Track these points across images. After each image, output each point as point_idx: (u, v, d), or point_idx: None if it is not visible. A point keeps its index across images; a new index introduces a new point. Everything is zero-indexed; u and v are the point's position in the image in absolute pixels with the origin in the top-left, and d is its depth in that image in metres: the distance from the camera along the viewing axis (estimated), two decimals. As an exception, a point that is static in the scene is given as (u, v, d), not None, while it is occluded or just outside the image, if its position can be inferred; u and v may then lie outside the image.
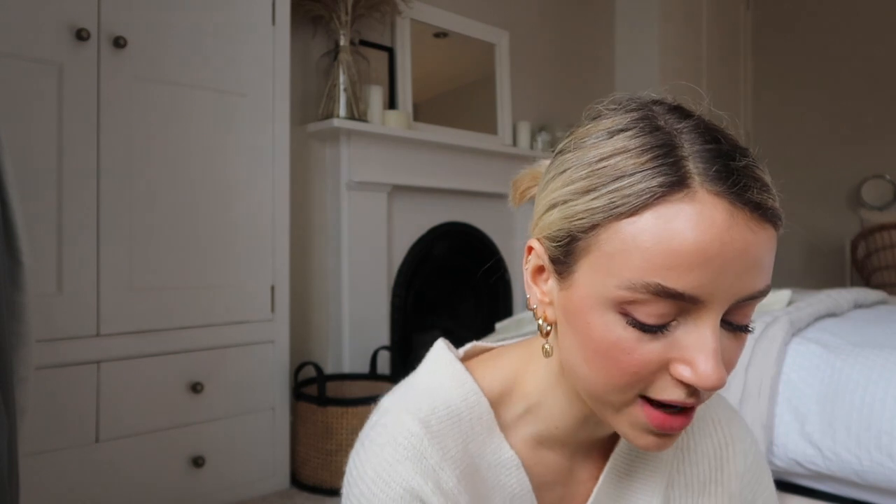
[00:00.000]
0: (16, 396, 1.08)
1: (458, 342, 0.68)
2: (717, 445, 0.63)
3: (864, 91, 4.11)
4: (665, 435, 0.48)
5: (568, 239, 0.48)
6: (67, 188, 1.59)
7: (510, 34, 3.16)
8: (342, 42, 2.34)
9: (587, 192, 0.46)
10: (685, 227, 0.42)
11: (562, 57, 3.53)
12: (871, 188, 4.07)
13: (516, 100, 3.19)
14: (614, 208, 0.44)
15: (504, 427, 0.57)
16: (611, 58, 3.86)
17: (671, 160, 0.44)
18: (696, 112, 0.49)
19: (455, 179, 2.73)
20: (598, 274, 0.46)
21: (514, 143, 3.10)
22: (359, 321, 2.36)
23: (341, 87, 2.33)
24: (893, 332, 1.52)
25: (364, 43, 2.51)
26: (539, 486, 0.57)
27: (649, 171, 0.44)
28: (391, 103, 2.63)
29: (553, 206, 0.49)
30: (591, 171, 0.46)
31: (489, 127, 3.01)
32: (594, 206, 0.45)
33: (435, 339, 0.64)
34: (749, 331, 0.48)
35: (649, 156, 0.44)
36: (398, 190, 2.55)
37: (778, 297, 1.88)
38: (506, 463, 0.56)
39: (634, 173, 0.44)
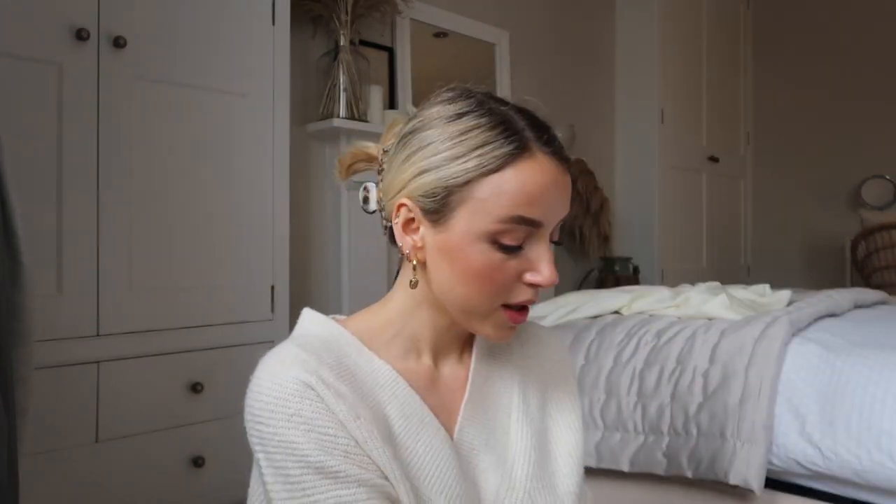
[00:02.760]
0: (16, 396, 1.08)
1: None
2: (552, 352, 0.83)
3: (865, 91, 4.10)
4: (515, 327, 0.69)
5: (444, 193, 0.64)
6: (67, 188, 1.59)
7: (510, 34, 3.16)
8: (342, 42, 2.34)
9: (456, 158, 0.64)
10: (534, 176, 0.63)
11: (562, 57, 3.53)
12: (871, 188, 4.06)
13: (518, 100, 3.18)
14: (483, 167, 0.63)
15: (375, 352, 0.70)
16: (611, 58, 3.86)
17: (515, 131, 0.64)
18: (506, 99, 0.70)
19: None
20: (475, 215, 0.64)
21: (514, 143, 3.10)
22: (359, 321, 2.36)
23: (341, 87, 2.33)
24: (893, 332, 1.52)
25: (364, 43, 2.51)
26: (418, 392, 0.69)
27: (503, 140, 0.64)
28: (391, 103, 2.63)
29: (424, 172, 0.65)
30: (456, 142, 0.64)
31: (489, 127, 3.01)
32: (467, 167, 0.63)
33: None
34: (560, 244, 0.70)
35: (499, 129, 0.64)
36: (398, 190, 2.55)
37: (778, 297, 1.88)
38: (380, 369, 0.68)
39: (493, 141, 0.64)
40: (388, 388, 0.67)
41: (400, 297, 0.73)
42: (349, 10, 2.32)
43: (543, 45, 3.41)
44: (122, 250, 1.68)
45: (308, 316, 0.73)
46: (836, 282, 4.11)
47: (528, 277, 0.65)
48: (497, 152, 0.63)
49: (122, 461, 1.65)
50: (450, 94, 0.69)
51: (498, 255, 0.63)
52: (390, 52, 2.66)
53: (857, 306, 1.90)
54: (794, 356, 1.47)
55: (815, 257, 4.31)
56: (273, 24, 2.00)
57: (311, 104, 2.39)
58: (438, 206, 0.65)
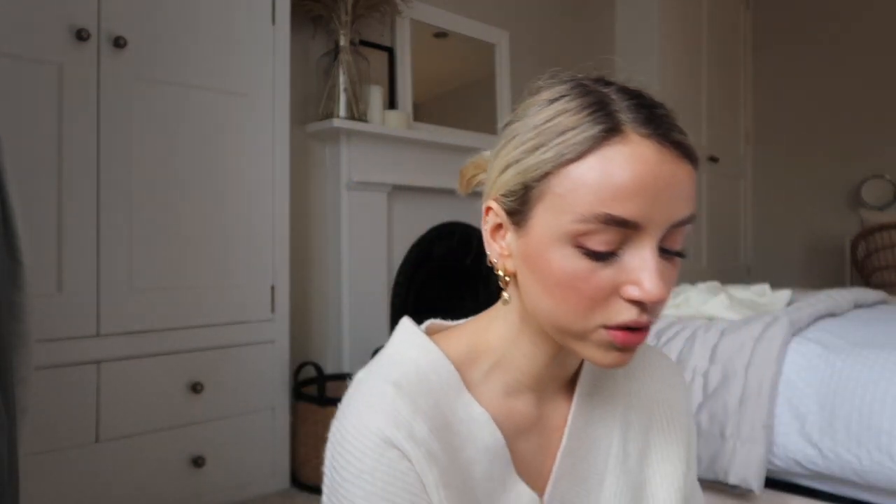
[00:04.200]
0: (16, 396, 1.08)
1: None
2: (662, 384, 0.71)
3: (864, 91, 4.11)
4: (627, 350, 0.55)
5: (523, 190, 0.55)
6: (67, 188, 1.59)
7: (510, 34, 3.16)
8: (342, 42, 2.34)
9: (536, 148, 0.54)
10: (623, 164, 0.51)
11: (562, 57, 3.53)
12: (871, 188, 4.07)
13: (516, 100, 3.18)
14: (562, 156, 0.52)
15: (473, 386, 0.61)
16: (611, 58, 3.86)
17: (605, 112, 0.52)
18: (616, 81, 0.58)
19: (455, 179, 2.73)
20: (553, 214, 0.53)
21: (514, 143, 3.10)
22: (359, 321, 2.36)
23: (341, 87, 2.33)
24: (893, 332, 1.52)
25: (364, 43, 2.51)
26: (513, 437, 0.61)
27: (588, 123, 0.52)
28: (391, 103, 2.63)
29: (507, 167, 0.57)
30: (539, 131, 0.54)
31: (489, 127, 3.01)
32: (545, 157, 0.53)
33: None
34: (682, 255, 0.56)
35: (587, 111, 0.53)
36: (398, 190, 2.55)
37: (778, 297, 1.88)
38: (477, 418, 0.60)
39: (577, 126, 0.52)
40: (479, 442, 0.59)
41: (502, 320, 0.62)
42: (349, 10, 2.32)
43: (543, 45, 3.41)
44: (122, 250, 1.68)
45: (408, 333, 0.64)
46: (836, 282, 4.11)
47: (626, 291, 0.52)
48: (579, 137, 0.52)
49: (122, 461, 1.65)
50: (549, 80, 0.60)
51: (584, 263, 0.52)
52: (390, 52, 2.66)
53: (857, 306, 1.90)
54: (794, 356, 1.47)
55: (815, 257, 4.31)
56: (273, 23, 2.01)
57: (311, 104, 2.39)
58: (518, 205, 0.56)
